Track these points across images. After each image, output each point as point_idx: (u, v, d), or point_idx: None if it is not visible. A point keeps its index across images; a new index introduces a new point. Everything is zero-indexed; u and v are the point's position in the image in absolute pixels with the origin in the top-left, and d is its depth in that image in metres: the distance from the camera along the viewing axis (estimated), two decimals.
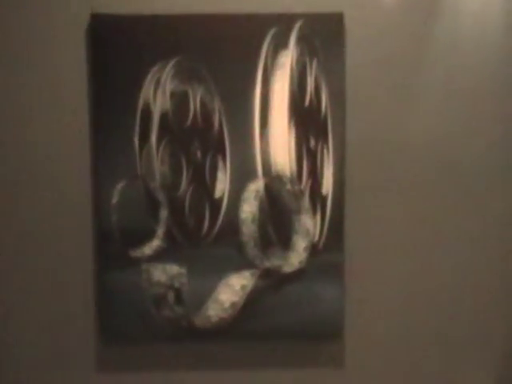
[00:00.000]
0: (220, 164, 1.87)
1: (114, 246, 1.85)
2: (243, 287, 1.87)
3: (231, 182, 1.87)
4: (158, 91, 1.84)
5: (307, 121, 1.86)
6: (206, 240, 1.88)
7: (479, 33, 1.89)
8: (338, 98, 1.87)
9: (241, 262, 1.86)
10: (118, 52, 1.83)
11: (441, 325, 1.95)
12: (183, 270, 1.85)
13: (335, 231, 1.88)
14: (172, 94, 1.85)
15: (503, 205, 1.94)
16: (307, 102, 1.86)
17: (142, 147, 1.85)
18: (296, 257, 1.88)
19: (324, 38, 1.85)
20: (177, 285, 1.85)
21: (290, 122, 1.86)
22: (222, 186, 1.87)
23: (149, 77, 1.83)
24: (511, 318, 1.96)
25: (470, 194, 1.93)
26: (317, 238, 1.88)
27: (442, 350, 1.96)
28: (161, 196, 1.86)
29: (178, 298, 1.85)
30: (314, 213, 1.88)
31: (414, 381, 1.97)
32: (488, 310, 1.96)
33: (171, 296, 1.85)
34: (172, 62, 1.83)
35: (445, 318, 1.95)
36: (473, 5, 1.88)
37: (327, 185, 1.88)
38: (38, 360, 1.93)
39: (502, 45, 1.90)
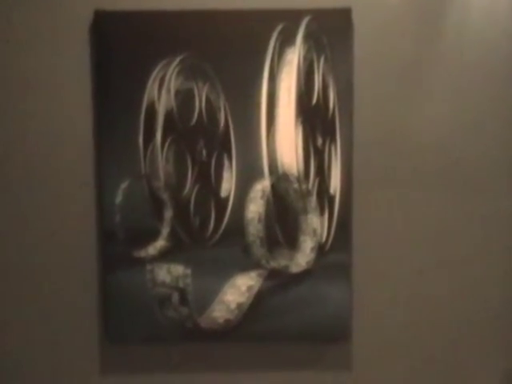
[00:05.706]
0: (226, 163, 1.85)
1: (118, 246, 1.84)
2: (249, 288, 1.85)
3: (237, 181, 1.84)
4: (163, 89, 1.81)
5: (315, 119, 1.84)
6: (211, 240, 1.85)
7: (488, 26, 1.87)
8: (346, 95, 1.84)
9: (247, 263, 1.84)
10: (122, 49, 1.80)
11: (449, 326, 1.93)
12: (188, 271, 1.83)
13: (343, 231, 1.86)
14: (177, 92, 1.82)
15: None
16: (314, 100, 1.84)
17: (146, 146, 1.83)
18: (303, 257, 1.86)
19: (332, 34, 1.82)
20: (182, 285, 1.83)
21: (297, 120, 1.83)
22: (228, 185, 1.85)
23: (153, 74, 1.80)
24: None
25: (480, 194, 1.91)
26: (324, 238, 1.86)
27: (451, 351, 1.94)
28: (165, 196, 1.84)
29: (183, 299, 1.83)
30: (322, 212, 1.85)
31: (423, 383, 1.94)
32: (496, 310, 1.93)
33: (176, 297, 1.83)
34: (177, 60, 1.80)
35: (453, 319, 1.93)
36: None
37: (335, 184, 1.85)
38: (43, 361, 1.92)
39: (510, 38, 1.87)
